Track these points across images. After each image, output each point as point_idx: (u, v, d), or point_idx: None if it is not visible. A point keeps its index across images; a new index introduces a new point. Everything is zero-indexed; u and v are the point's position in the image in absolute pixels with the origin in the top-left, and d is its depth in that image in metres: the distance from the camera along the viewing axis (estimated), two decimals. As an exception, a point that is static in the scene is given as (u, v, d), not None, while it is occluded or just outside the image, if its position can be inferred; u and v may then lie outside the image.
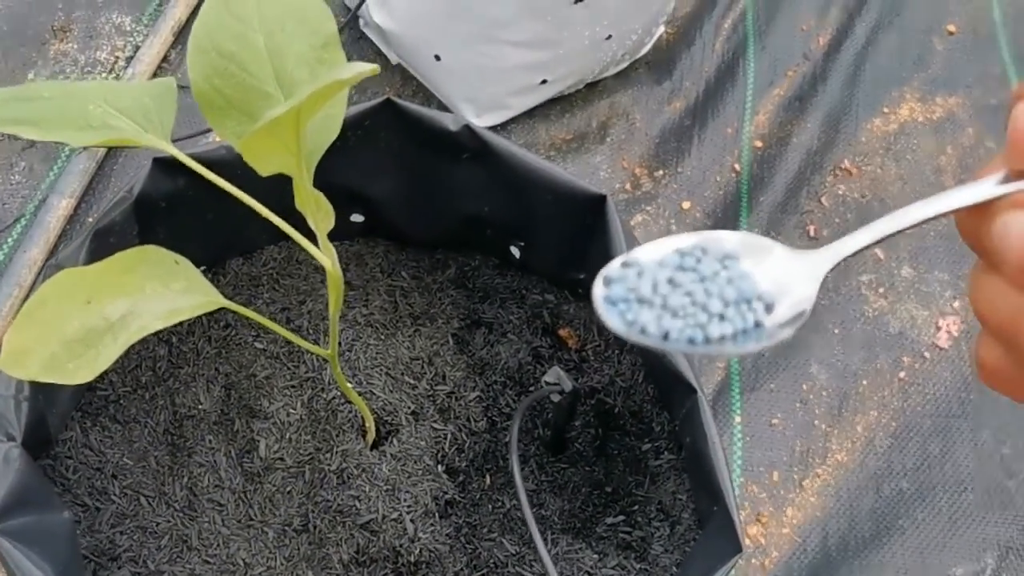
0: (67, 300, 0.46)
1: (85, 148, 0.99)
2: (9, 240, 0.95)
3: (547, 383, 0.56)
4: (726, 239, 0.35)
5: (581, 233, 0.64)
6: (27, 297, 0.91)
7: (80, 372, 0.44)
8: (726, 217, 1.08)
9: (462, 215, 0.69)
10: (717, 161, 1.12)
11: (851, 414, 0.95)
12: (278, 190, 0.52)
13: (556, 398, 0.57)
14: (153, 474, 0.61)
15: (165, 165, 0.60)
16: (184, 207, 0.62)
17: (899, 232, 0.33)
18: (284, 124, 0.41)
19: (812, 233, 1.07)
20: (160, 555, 0.57)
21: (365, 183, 0.68)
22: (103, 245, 0.56)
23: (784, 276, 0.35)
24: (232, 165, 0.63)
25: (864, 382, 0.96)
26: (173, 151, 0.48)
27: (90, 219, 1.00)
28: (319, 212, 0.47)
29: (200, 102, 0.49)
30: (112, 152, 1.01)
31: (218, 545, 0.59)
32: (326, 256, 0.48)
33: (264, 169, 0.44)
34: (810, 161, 1.13)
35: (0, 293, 0.89)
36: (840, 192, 1.11)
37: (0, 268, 0.93)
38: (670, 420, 0.64)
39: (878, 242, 0.34)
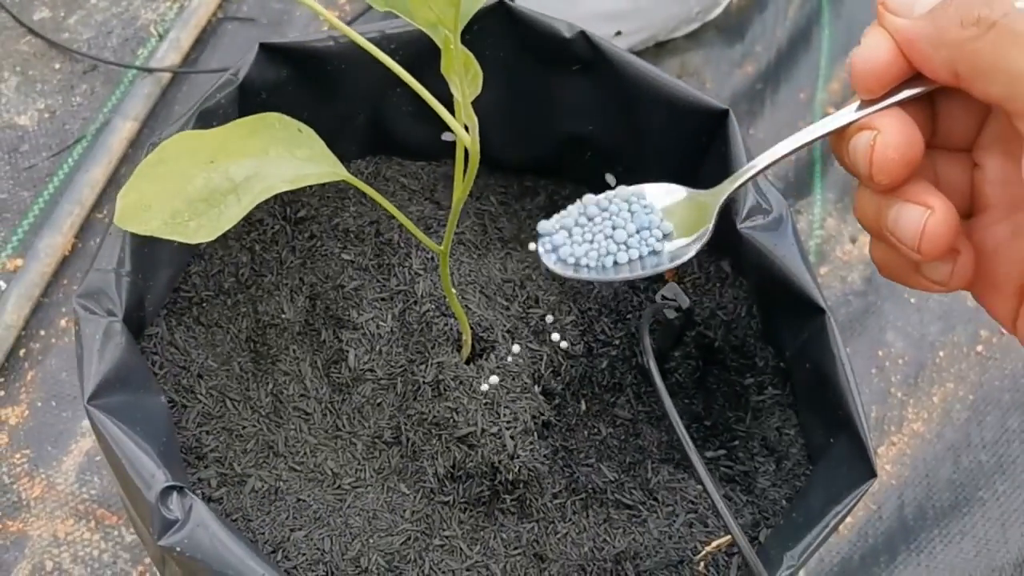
0: (189, 159, 0.43)
1: (151, 72, 0.97)
2: (69, 160, 0.92)
3: (664, 298, 0.54)
4: (646, 188, 0.45)
5: (693, 154, 0.62)
6: (87, 217, 0.89)
7: (202, 231, 0.41)
8: (799, 182, 1.05)
9: (562, 135, 0.66)
10: (789, 126, 1.09)
11: (927, 384, 0.91)
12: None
13: (671, 315, 0.54)
14: (237, 378, 0.58)
15: (271, 51, 0.57)
16: (282, 101, 0.59)
17: (778, 161, 0.41)
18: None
19: (885, 203, 1.04)
20: (246, 458, 0.54)
21: (463, 96, 0.65)
22: (207, 128, 0.53)
23: (687, 209, 0.44)
24: (338, 58, 0.60)
25: (941, 353, 0.93)
26: (316, 6, 0.45)
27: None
28: (467, 74, 0.44)
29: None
30: (176, 79, 0.98)
31: (305, 453, 0.56)
32: (468, 124, 0.45)
33: (422, 16, 0.41)
34: (885, 131, 1.10)
35: (61, 211, 0.87)
36: (914, 164, 1.08)
37: (61, 187, 0.90)
38: (775, 355, 0.61)
39: (761, 172, 0.43)
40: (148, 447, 0.44)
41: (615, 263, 0.43)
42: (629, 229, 0.43)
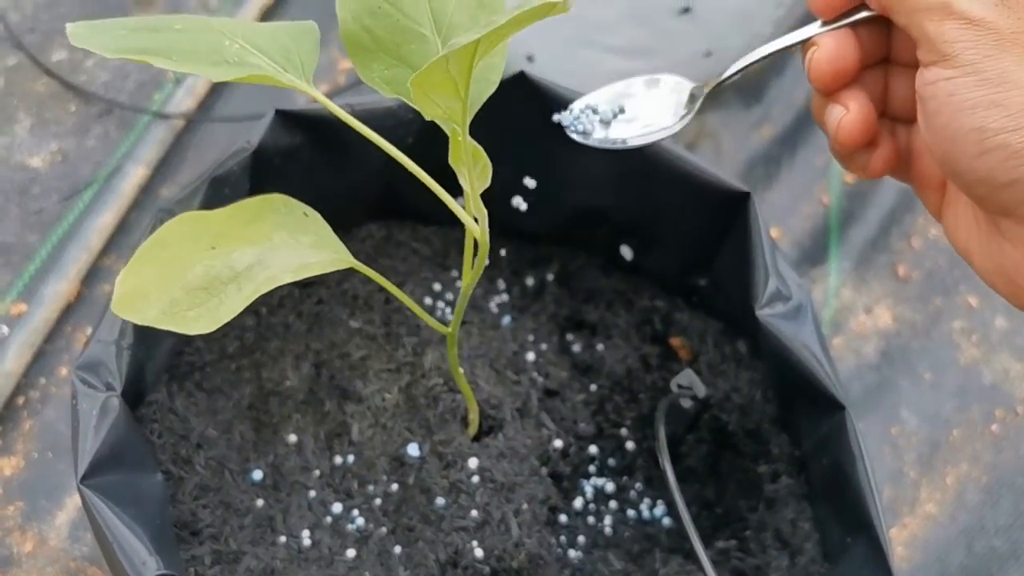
0: (190, 244, 0.42)
1: (165, 118, 0.96)
2: (79, 204, 0.92)
3: (680, 387, 0.52)
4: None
5: (712, 233, 0.60)
6: (94, 263, 0.88)
7: (201, 321, 0.40)
8: (815, 249, 1.03)
9: (577, 207, 0.65)
10: (806, 191, 1.08)
11: (942, 464, 0.89)
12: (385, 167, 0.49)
13: (687, 404, 0.52)
14: (237, 449, 0.56)
15: (287, 118, 0.56)
16: (296, 168, 0.59)
17: (753, 63, 0.49)
18: (460, 60, 0.37)
19: (901, 274, 1.03)
20: (243, 535, 0.53)
21: (480, 165, 0.64)
22: (218, 195, 0.52)
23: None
24: (347, 127, 0.59)
25: (955, 432, 0.91)
26: (314, 92, 0.44)
27: (164, 190, 0.96)
28: (476, 167, 0.43)
29: (347, 43, 0.46)
30: (190, 125, 0.98)
31: (303, 531, 0.54)
32: (477, 217, 0.44)
33: (429, 110, 0.40)
34: (902, 201, 1.08)
35: (69, 256, 0.86)
36: (932, 235, 1.06)
37: (69, 232, 0.89)
38: (791, 443, 0.59)
39: (739, 72, 0.50)
40: (140, 531, 0.43)
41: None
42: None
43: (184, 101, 0.98)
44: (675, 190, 0.59)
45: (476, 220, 0.45)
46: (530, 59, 1.02)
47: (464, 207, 0.46)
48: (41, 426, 0.79)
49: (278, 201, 0.46)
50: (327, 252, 0.45)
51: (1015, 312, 1.01)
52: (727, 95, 1.16)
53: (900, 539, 0.85)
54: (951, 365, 0.96)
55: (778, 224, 1.05)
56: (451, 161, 0.45)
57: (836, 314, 0.99)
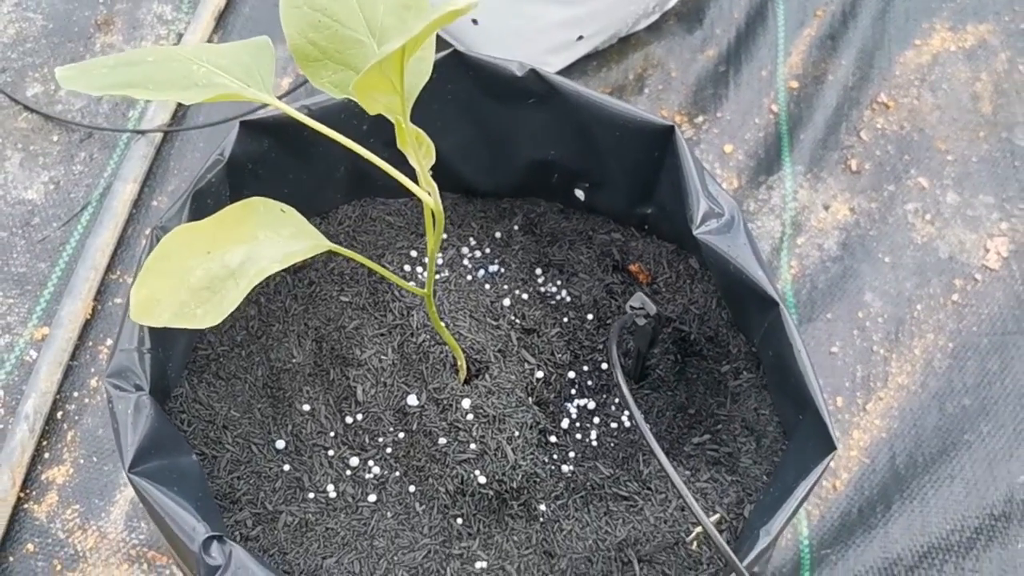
0: (188, 252, 0.49)
1: (143, 134, 1.02)
2: (79, 228, 0.98)
3: (632, 307, 0.59)
4: None
5: (649, 167, 0.67)
6: (103, 280, 0.95)
7: (208, 316, 0.47)
8: (768, 157, 1.10)
9: (528, 161, 0.71)
10: (755, 104, 1.14)
11: (908, 338, 0.97)
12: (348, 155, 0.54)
13: (641, 322, 0.59)
14: (259, 424, 0.64)
15: (251, 127, 0.62)
16: (268, 169, 0.65)
17: None
18: (391, 63, 0.43)
19: (854, 167, 1.09)
20: (276, 497, 0.60)
21: (433, 137, 0.71)
22: (201, 206, 0.59)
23: None
24: (308, 126, 0.65)
25: (918, 307, 0.98)
26: (276, 103, 0.51)
27: (154, 202, 1.03)
28: (420, 148, 0.49)
29: (296, 55, 0.52)
30: (168, 137, 1.04)
31: (328, 485, 0.62)
32: (429, 190, 0.51)
33: (372, 107, 0.47)
34: (847, 97, 1.14)
35: (78, 277, 0.93)
36: (879, 125, 1.12)
37: (74, 255, 0.96)
38: (747, 341, 0.66)
39: None
40: (187, 504, 0.50)
41: None
42: None
43: (158, 115, 1.04)
44: (607, 134, 0.65)
45: (429, 193, 0.51)
46: (475, 22, 1.07)
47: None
48: (83, 434, 0.87)
49: (257, 203, 0.53)
50: (307, 239, 0.52)
51: (965, 186, 1.07)
52: (670, 23, 1.21)
53: (877, 411, 0.92)
54: (908, 246, 1.03)
55: (731, 140, 1.11)
56: (399, 146, 0.51)
57: (796, 215, 1.06)
